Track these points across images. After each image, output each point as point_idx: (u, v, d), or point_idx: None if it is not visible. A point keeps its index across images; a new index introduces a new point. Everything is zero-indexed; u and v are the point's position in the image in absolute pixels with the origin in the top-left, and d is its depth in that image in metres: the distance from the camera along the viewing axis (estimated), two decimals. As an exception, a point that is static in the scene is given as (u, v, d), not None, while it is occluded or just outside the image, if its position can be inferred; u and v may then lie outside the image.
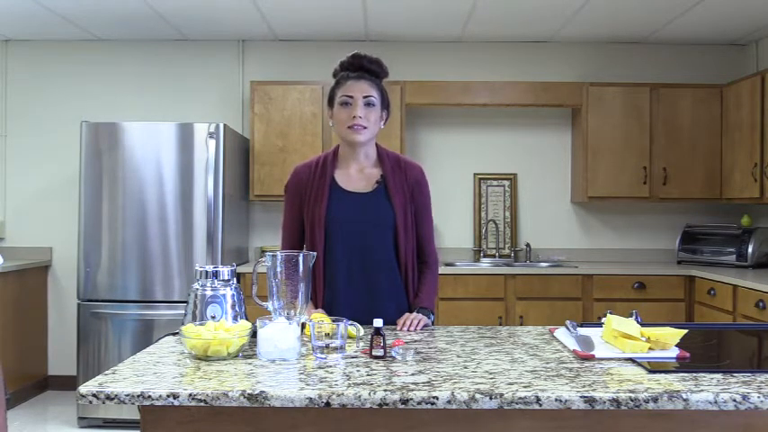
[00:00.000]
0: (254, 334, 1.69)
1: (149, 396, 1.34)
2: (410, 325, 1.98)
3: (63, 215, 4.85)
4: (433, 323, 2.11)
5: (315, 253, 1.84)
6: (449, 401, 1.33)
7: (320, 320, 1.71)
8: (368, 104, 2.05)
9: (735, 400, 1.32)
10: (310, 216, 2.10)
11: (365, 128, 2.05)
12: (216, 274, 1.83)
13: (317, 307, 2.13)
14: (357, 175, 2.13)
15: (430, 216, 2.19)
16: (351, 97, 2.05)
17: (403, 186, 2.11)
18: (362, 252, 2.08)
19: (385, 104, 2.13)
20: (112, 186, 4.05)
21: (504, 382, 1.41)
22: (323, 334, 1.61)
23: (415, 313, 2.05)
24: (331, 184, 2.11)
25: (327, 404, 1.33)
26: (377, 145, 2.17)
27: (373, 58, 2.12)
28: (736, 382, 1.41)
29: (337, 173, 2.14)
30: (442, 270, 4.24)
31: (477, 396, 1.33)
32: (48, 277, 4.90)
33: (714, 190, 4.58)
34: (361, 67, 2.10)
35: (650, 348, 1.65)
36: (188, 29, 4.62)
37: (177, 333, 1.80)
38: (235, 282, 1.86)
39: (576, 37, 4.77)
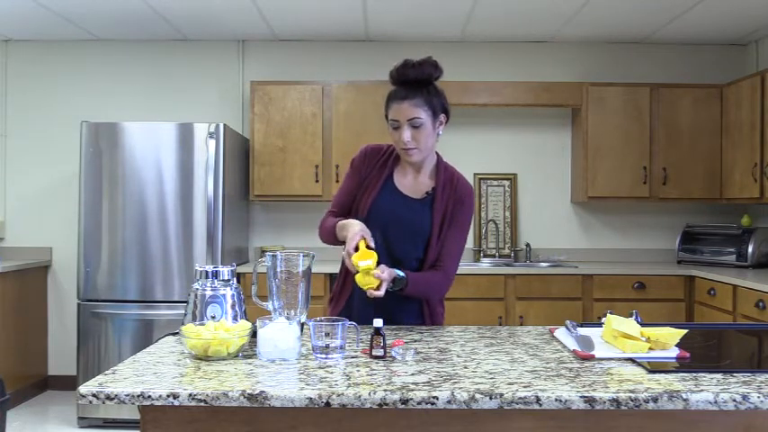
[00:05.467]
0: (254, 334, 1.69)
1: (149, 396, 1.34)
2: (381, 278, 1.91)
3: (63, 215, 4.85)
4: (401, 290, 2.02)
5: (314, 254, 1.85)
6: (449, 401, 1.33)
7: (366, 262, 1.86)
8: (414, 126, 2.04)
9: (735, 400, 1.32)
10: (359, 200, 2.15)
11: (415, 149, 2.06)
12: (216, 274, 1.83)
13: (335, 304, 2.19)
14: (412, 181, 2.16)
15: (460, 235, 2.13)
16: (397, 121, 2.05)
17: (448, 202, 2.13)
18: (392, 251, 2.08)
19: (439, 112, 2.09)
20: (112, 186, 4.05)
21: (504, 382, 1.41)
22: (323, 334, 1.61)
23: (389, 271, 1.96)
24: (387, 179, 2.15)
25: (327, 404, 1.33)
26: (438, 156, 2.19)
27: (419, 64, 2.07)
28: (736, 382, 1.41)
29: (397, 170, 2.18)
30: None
31: (477, 396, 1.33)
32: (48, 277, 4.90)
33: (714, 190, 4.58)
34: (406, 82, 2.06)
35: (650, 348, 1.65)
36: (188, 29, 4.62)
37: (177, 333, 1.80)
38: (235, 282, 1.86)
39: (576, 37, 4.77)
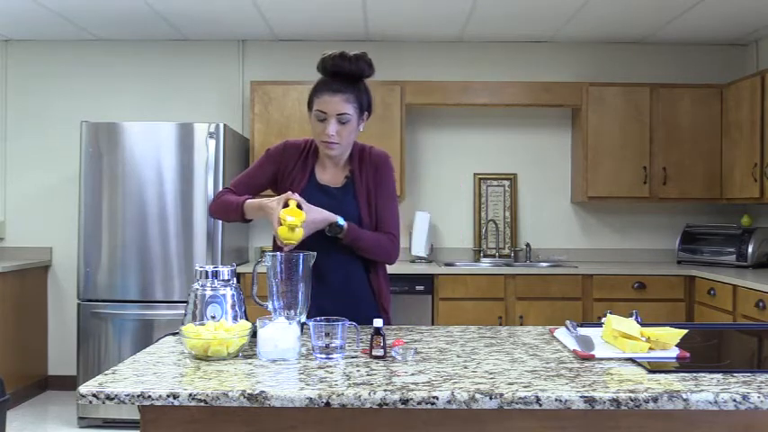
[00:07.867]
0: (254, 334, 1.69)
1: (149, 396, 1.34)
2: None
3: (63, 215, 4.85)
4: (336, 236, 2.01)
5: (314, 253, 1.85)
6: (449, 401, 1.33)
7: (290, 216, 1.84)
8: (341, 122, 2.03)
9: (735, 400, 1.32)
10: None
11: (337, 143, 2.05)
12: (216, 274, 1.83)
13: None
14: (332, 170, 2.16)
15: (390, 201, 2.13)
16: (324, 113, 2.03)
17: (368, 179, 2.13)
18: (326, 245, 2.02)
19: (363, 110, 2.09)
20: (112, 186, 4.05)
21: (504, 382, 1.41)
22: (323, 334, 1.61)
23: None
24: (310, 175, 2.15)
25: (327, 404, 1.33)
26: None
27: (356, 59, 2.04)
28: (736, 382, 1.41)
29: (317, 165, 2.17)
30: (441, 270, 4.24)
31: (477, 396, 1.33)
32: (48, 277, 4.90)
33: (714, 190, 4.58)
34: (338, 74, 2.03)
35: (650, 348, 1.65)
36: (188, 29, 4.62)
37: (177, 333, 1.80)
38: (235, 282, 1.86)
39: (576, 37, 4.77)
